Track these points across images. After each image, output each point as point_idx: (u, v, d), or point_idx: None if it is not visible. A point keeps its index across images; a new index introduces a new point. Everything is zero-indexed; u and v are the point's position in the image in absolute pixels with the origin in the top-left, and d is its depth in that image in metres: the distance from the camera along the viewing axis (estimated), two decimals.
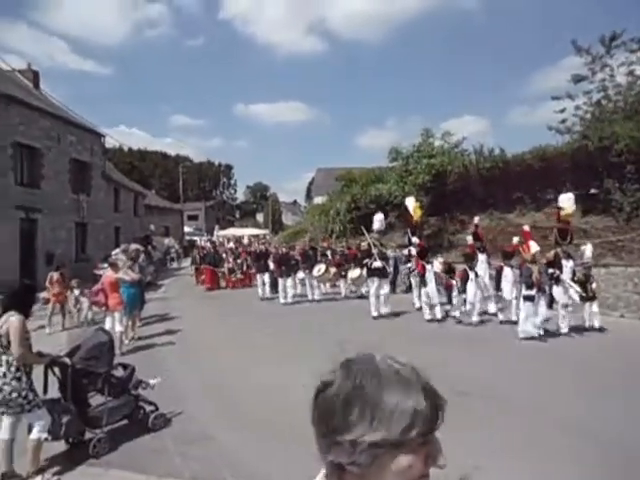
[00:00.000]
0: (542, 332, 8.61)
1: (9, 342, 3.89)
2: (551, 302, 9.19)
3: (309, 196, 64.95)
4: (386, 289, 11.07)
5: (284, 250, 14.49)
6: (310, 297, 13.58)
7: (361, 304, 12.34)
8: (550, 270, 9.12)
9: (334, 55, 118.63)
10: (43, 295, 10.76)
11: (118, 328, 8.11)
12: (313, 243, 14.91)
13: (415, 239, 12.03)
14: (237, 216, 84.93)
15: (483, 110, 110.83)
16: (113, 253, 10.16)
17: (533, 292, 8.64)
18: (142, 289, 10.45)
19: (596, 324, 9.31)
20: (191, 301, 14.81)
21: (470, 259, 10.56)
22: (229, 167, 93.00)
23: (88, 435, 4.62)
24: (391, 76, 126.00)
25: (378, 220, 11.91)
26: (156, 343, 8.97)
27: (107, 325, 7.90)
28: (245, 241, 21.37)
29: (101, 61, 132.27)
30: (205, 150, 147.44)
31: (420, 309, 11.07)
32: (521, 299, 8.86)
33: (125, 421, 4.98)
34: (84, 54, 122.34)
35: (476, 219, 12.23)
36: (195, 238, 46.87)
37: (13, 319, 3.94)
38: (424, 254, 11.06)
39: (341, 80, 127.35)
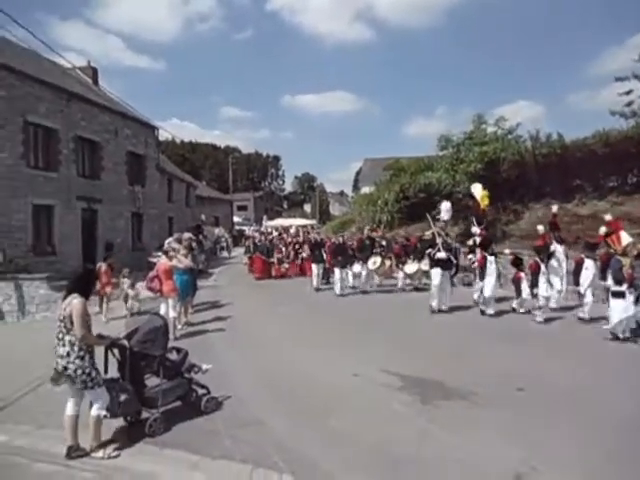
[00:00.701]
0: (628, 333, 7.81)
1: (72, 323, 4.14)
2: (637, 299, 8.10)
3: (356, 186, 64.63)
4: (448, 282, 10.55)
5: (340, 240, 14.05)
6: (366, 288, 13.32)
7: (418, 297, 12.07)
8: None
9: (381, 43, 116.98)
10: None
11: (172, 314, 8.39)
12: (369, 233, 14.31)
13: (475, 229, 11.47)
14: (285, 206, 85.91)
15: (539, 96, 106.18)
16: (166, 242, 10.44)
17: (623, 288, 7.80)
18: (194, 276, 10.74)
19: None
20: (243, 290, 15.07)
21: (543, 250, 9.77)
22: (277, 158, 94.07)
23: (144, 415, 4.83)
24: (440, 63, 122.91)
25: (445, 209, 11.26)
26: (207, 329, 9.23)
27: (162, 311, 8.19)
28: (292, 231, 21.49)
29: (154, 56, 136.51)
30: (253, 142, 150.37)
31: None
32: (610, 295, 8.05)
33: (179, 403, 5.16)
34: (138, 50, 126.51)
35: (554, 207, 11.36)
36: (244, 228, 47.90)
37: (75, 301, 4.19)
38: (487, 244, 10.42)
39: (389, 68, 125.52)
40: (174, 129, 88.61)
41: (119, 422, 4.75)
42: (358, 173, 64.67)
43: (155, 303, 9.89)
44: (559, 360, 6.74)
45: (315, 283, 14.21)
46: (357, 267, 13.42)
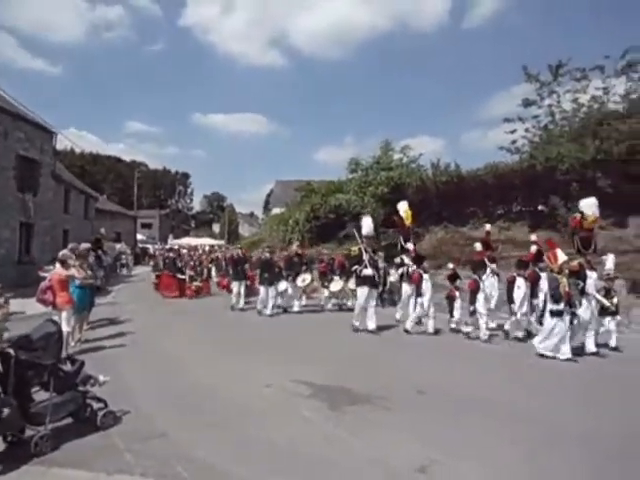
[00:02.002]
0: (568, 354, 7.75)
1: None
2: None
3: (267, 208, 64.75)
4: (373, 301, 10.17)
5: (267, 256, 13.01)
6: (293, 308, 12.74)
7: (342, 316, 11.91)
8: (575, 282, 8.35)
9: (294, 70, 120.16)
10: None
11: (65, 328, 7.61)
12: (299, 249, 13.82)
13: (410, 245, 11.48)
14: (193, 225, 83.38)
15: (439, 131, 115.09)
16: (61, 253, 9.60)
17: (561, 306, 7.79)
18: (92, 290, 9.98)
19: (612, 343, 8.71)
20: (146, 308, 14.20)
21: (479, 267, 9.82)
22: (186, 175, 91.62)
23: (29, 433, 4.33)
24: (350, 94, 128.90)
25: (367, 224, 10.77)
26: (105, 345, 8.57)
27: None
28: (207, 249, 20.95)
29: (52, 60, 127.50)
30: (160, 158, 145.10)
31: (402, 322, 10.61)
32: (547, 313, 8.05)
33: (70, 419, 4.71)
34: (33, 51, 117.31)
35: (487, 226, 11.63)
36: (148, 246, 45.63)
37: None
38: (420, 261, 10.32)
39: (301, 95, 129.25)
40: (73, 139, 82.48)
41: None
42: (269, 195, 64.99)
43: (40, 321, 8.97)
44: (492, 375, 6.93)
45: (234, 301, 13.41)
46: (283, 285, 12.69)
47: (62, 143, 61.74)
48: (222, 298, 15.70)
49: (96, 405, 4.81)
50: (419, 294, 9.86)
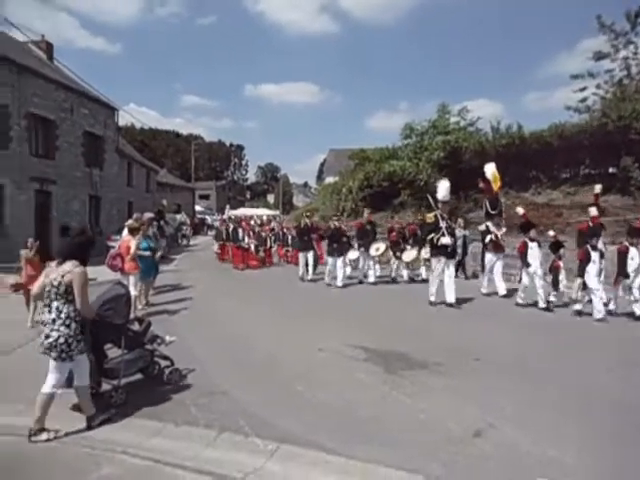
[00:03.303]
0: None
1: (67, 291, 3.93)
2: None
3: (320, 177, 64.74)
4: (452, 271, 9.41)
5: (337, 224, 12.12)
6: (368, 279, 11.95)
7: (417, 288, 11.13)
8: None
9: (346, 36, 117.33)
10: (12, 281, 8.80)
11: (133, 292, 8.14)
12: (372, 217, 12.84)
13: (520, 209, 10.43)
14: (248, 196, 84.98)
15: (498, 94, 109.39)
16: (127, 223, 10.11)
17: None
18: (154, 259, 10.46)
19: None
20: (210, 279, 14.68)
21: (593, 235, 8.54)
22: (240, 147, 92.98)
23: (105, 387, 4.69)
24: (404, 59, 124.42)
25: (443, 188, 9.67)
26: (170, 309, 9.02)
27: None
28: (265, 218, 21.23)
29: (110, 39, 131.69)
30: (216, 131, 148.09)
31: (488, 295, 10.08)
32: None
33: (141, 375, 5.05)
34: (93, 31, 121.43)
35: (598, 187, 10.03)
36: (206, 217, 47.11)
37: (78, 270, 3.96)
38: (527, 228, 9.31)
39: (353, 62, 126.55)
40: (133, 114, 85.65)
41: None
42: (322, 164, 64.83)
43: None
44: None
45: (301, 273, 12.72)
46: (352, 254, 12.03)
47: (123, 119, 64.31)
48: (283, 268, 15.91)
49: (163, 363, 5.13)
50: (527, 265, 8.96)
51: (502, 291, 9.92)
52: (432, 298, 9.22)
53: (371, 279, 11.87)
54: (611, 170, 15.41)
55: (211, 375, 5.27)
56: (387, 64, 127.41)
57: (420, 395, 4.64)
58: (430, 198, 10.35)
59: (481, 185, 11.09)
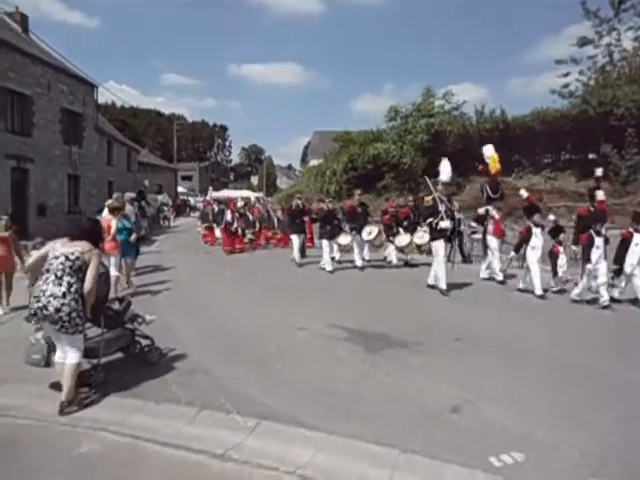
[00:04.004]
0: None
1: (80, 269, 3.98)
2: None
3: (305, 160, 64.34)
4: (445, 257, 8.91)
5: (329, 206, 11.70)
6: (356, 263, 11.38)
7: (410, 273, 10.97)
8: None
9: (332, 16, 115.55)
10: None
11: (113, 272, 8.06)
12: (363, 199, 12.29)
13: (523, 192, 9.88)
14: (231, 178, 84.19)
15: (483, 78, 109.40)
16: (107, 203, 9.94)
17: None
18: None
19: None
20: (192, 261, 14.56)
21: (597, 220, 8.17)
22: (224, 128, 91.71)
23: (85, 366, 4.66)
24: (390, 41, 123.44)
25: (446, 169, 9.21)
26: (151, 290, 8.96)
27: None
28: (253, 200, 20.95)
29: (88, 12, 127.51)
30: (199, 110, 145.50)
31: (488, 280, 9.76)
32: None
33: (121, 354, 5.03)
34: (70, 4, 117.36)
35: (599, 170, 9.54)
36: (189, 198, 46.60)
37: (96, 252, 4.09)
38: (531, 212, 8.83)
39: (339, 42, 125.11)
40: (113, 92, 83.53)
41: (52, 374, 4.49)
42: (307, 146, 64.34)
43: None
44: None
45: (297, 257, 12.05)
46: (344, 238, 11.41)
47: (103, 96, 62.53)
48: (269, 251, 15.65)
49: (144, 342, 5.11)
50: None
51: (500, 277, 9.65)
52: (443, 285, 8.60)
53: (358, 263, 11.41)
54: (591, 156, 15.66)
55: (192, 354, 5.28)
56: (373, 45, 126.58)
57: (399, 373, 4.72)
58: (428, 180, 9.96)
59: (480, 168, 10.78)
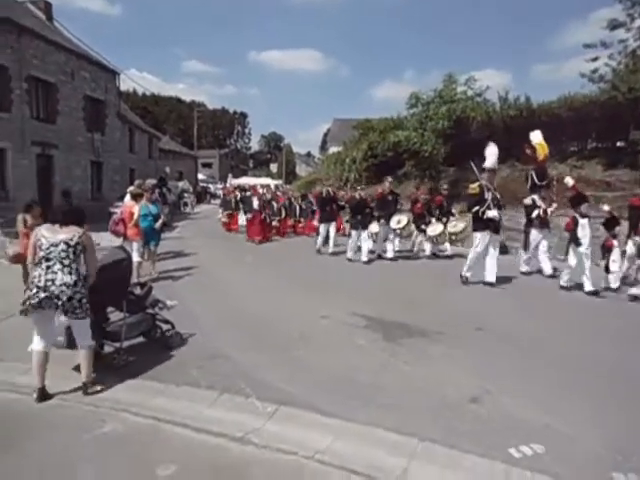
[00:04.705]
0: None
1: (80, 252, 3.99)
2: None
3: (324, 147, 63.97)
4: (495, 249, 8.48)
5: (361, 195, 11.33)
6: (386, 254, 11.13)
7: (443, 264, 10.68)
8: None
9: (351, 3, 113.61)
10: (11, 252, 7.20)
11: (136, 258, 8.17)
12: (392, 187, 11.80)
13: (568, 179, 9.13)
14: (251, 165, 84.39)
15: (506, 64, 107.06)
16: (129, 189, 10.06)
17: None
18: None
19: None
20: (213, 247, 14.60)
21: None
22: (244, 115, 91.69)
23: (107, 349, 4.76)
24: (411, 27, 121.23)
25: (492, 154, 8.71)
26: (172, 276, 9.07)
27: None
28: (279, 188, 20.89)
29: (109, 0, 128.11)
30: (218, 97, 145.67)
31: (528, 274, 9.34)
32: None
33: (143, 338, 5.12)
34: None
35: None
36: (209, 185, 46.91)
37: (89, 234, 4.09)
38: (577, 202, 8.11)
39: (359, 29, 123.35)
40: (134, 80, 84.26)
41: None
42: (326, 134, 63.91)
43: None
44: None
45: (318, 245, 11.93)
46: (374, 227, 11.10)
47: (124, 84, 63.10)
48: (293, 240, 15.53)
49: (165, 327, 5.18)
50: (577, 244, 7.90)
51: (548, 270, 9.18)
52: (468, 274, 8.41)
53: (389, 254, 11.10)
54: (619, 144, 15.16)
55: (213, 339, 5.34)
56: (393, 32, 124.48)
57: (418, 362, 4.70)
58: (473, 166, 9.38)
59: (528, 151, 10.24)
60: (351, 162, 21.56)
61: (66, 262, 3.89)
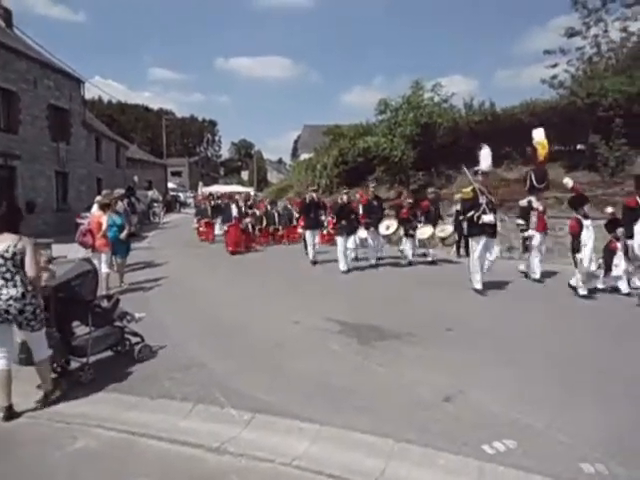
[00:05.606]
0: None
1: (20, 260, 3.75)
2: None
3: (295, 154, 64.07)
4: (492, 254, 8.16)
5: (344, 199, 10.67)
6: (370, 261, 11.02)
7: (434, 271, 10.59)
8: None
9: (320, 9, 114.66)
10: None
11: (104, 269, 8.03)
12: (374, 192, 11.60)
13: (568, 180, 8.96)
14: (221, 173, 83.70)
15: (473, 71, 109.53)
16: (96, 199, 9.84)
17: None
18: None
19: None
20: (184, 257, 14.43)
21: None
22: (213, 123, 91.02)
23: (73, 365, 4.64)
24: (380, 32, 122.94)
25: (486, 156, 8.42)
26: (142, 287, 8.92)
27: None
28: (260, 196, 20.67)
29: (72, 7, 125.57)
30: (187, 105, 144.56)
31: (526, 276, 9.28)
32: None
33: (111, 352, 5.01)
34: None
35: None
36: (179, 194, 46.28)
37: (26, 239, 3.83)
38: (579, 204, 7.93)
39: (327, 36, 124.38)
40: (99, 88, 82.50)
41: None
42: (297, 140, 64.08)
43: None
44: None
45: (311, 255, 11.37)
46: (362, 233, 10.95)
47: (89, 92, 61.94)
48: (271, 248, 15.11)
49: (133, 339, 5.08)
50: (577, 247, 7.73)
51: (537, 274, 9.09)
52: (478, 286, 8.01)
53: (372, 261, 11.00)
54: (579, 147, 15.76)
55: (185, 350, 5.27)
56: (362, 37, 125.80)
57: (392, 364, 4.76)
58: (466, 170, 9.05)
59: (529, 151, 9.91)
60: (322, 168, 21.72)
61: (8, 276, 3.71)
